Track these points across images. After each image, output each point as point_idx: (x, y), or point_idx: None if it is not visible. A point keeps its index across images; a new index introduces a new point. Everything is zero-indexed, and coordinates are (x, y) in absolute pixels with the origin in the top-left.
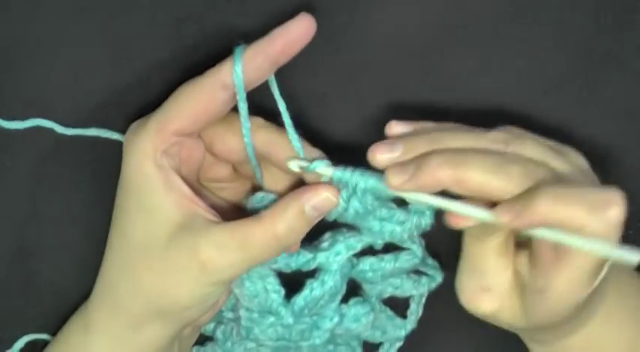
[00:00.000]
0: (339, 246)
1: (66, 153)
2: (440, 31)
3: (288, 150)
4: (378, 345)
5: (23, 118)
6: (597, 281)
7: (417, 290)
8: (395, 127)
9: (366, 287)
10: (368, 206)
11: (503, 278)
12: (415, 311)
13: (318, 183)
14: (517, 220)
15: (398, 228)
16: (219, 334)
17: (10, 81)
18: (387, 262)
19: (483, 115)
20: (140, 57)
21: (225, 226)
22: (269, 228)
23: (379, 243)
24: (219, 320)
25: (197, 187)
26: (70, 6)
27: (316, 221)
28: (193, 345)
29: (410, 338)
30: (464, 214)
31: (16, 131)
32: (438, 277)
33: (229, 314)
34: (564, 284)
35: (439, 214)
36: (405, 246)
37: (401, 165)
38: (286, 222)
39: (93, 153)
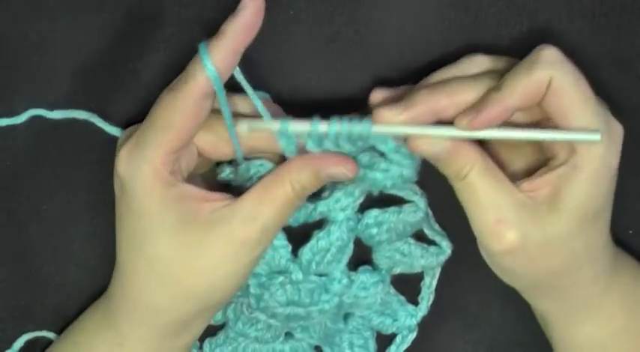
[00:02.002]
0: (338, 194)
1: (67, 152)
2: (439, 30)
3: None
4: (391, 340)
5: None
6: (618, 142)
7: (426, 260)
8: (379, 94)
9: (376, 257)
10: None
11: (508, 202)
12: (427, 294)
13: (341, 156)
14: (476, 120)
15: (380, 176)
16: (230, 313)
17: (10, 81)
18: (391, 214)
19: None
20: (140, 56)
21: (248, 198)
22: (288, 185)
23: (374, 191)
24: (231, 300)
25: (192, 178)
26: (70, 6)
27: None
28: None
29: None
30: (433, 134)
31: (17, 131)
32: (447, 248)
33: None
34: (587, 150)
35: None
36: (406, 197)
37: (389, 103)
38: (302, 181)
39: (94, 153)
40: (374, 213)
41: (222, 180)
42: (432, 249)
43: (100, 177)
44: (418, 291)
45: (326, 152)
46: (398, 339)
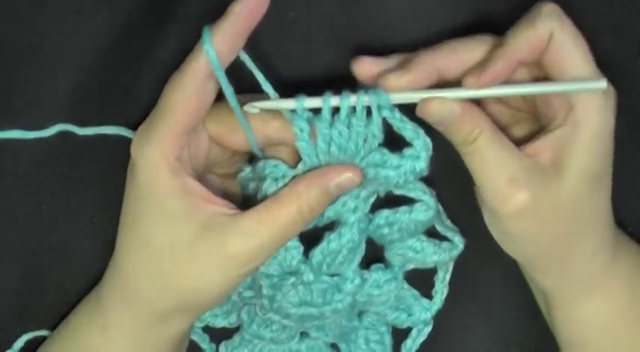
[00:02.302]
0: (345, 197)
1: (68, 152)
2: (440, 30)
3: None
4: (407, 334)
5: (24, 119)
6: (613, 104)
7: (439, 256)
8: (364, 63)
9: (388, 254)
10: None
11: (517, 164)
12: (441, 289)
13: (342, 164)
14: (483, 76)
15: (392, 173)
16: (244, 315)
17: (10, 81)
18: (402, 214)
19: None
20: (141, 56)
21: (249, 215)
22: (294, 207)
23: (382, 191)
24: (243, 302)
25: (205, 177)
26: (70, 6)
27: (339, 193)
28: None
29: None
30: (444, 97)
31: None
32: (459, 243)
33: (248, 293)
34: (586, 104)
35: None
36: (416, 197)
37: (391, 70)
38: (310, 201)
39: (94, 152)
40: (385, 214)
41: (242, 180)
42: (445, 244)
43: (101, 177)
44: (432, 285)
45: (328, 166)
46: (414, 333)
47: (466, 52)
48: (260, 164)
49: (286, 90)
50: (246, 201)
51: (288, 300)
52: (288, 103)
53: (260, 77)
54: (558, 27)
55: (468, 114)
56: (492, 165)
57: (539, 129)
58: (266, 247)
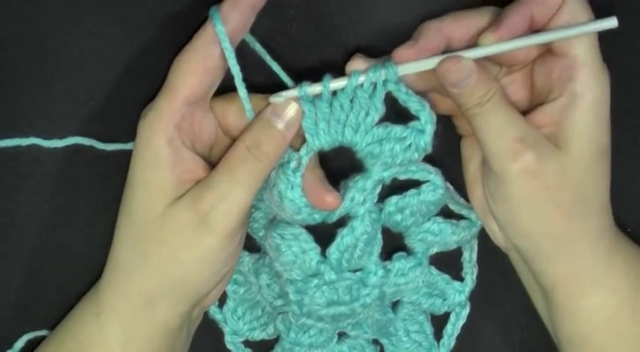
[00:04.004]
0: (351, 192)
1: (67, 152)
2: None
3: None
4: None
5: (24, 118)
6: (608, 78)
7: (459, 236)
8: (358, 61)
9: (408, 241)
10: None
11: (525, 127)
12: (470, 268)
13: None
14: (501, 31)
15: (397, 146)
16: (280, 325)
17: (10, 81)
18: (411, 197)
19: None
20: (141, 56)
21: (212, 171)
22: (243, 143)
23: (386, 177)
24: (276, 312)
25: (208, 166)
26: (70, 6)
27: (289, 130)
28: None
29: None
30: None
31: (17, 131)
32: (477, 220)
33: (279, 302)
34: (585, 71)
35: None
36: (423, 178)
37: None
38: (254, 133)
39: (95, 152)
40: (394, 200)
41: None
42: (463, 223)
43: (101, 176)
44: (461, 267)
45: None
46: (452, 317)
47: (473, 19)
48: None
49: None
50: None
51: (316, 302)
52: (313, 88)
53: (270, 62)
54: None
55: (485, 75)
56: (503, 123)
57: (539, 103)
58: (226, 194)
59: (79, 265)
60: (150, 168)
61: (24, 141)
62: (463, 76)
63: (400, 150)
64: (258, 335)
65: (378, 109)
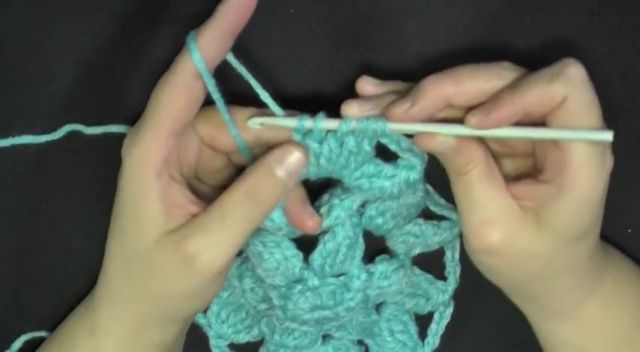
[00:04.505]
0: (337, 210)
1: (67, 152)
2: (440, 29)
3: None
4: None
5: (24, 119)
6: (608, 169)
7: (440, 237)
8: (366, 83)
9: (390, 244)
10: (348, 151)
11: (499, 206)
12: (452, 268)
13: (284, 145)
14: (486, 119)
15: (387, 183)
16: (264, 327)
17: (10, 81)
18: (391, 200)
19: None
20: (141, 56)
21: (205, 210)
22: (240, 188)
23: (373, 200)
24: (260, 315)
25: (195, 184)
26: (70, 6)
27: (290, 178)
28: None
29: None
30: (442, 132)
31: (17, 131)
32: (458, 219)
33: (263, 306)
34: (577, 174)
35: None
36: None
37: (397, 99)
38: (254, 179)
39: (95, 152)
40: (375, 204)
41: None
42: (444, 223)
43: (100, 176)
44: (443, 267)
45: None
46: (436, 316)
47: (472, 83)
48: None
49: (286, 88)
50: None
51: (300, 307)
52: (289, 122)
53: (260, 92)
54: (575, 94)
55: (465, 148)
56: (475, 201)
57: (533, 168)
58: (217, 240)
59: (78, 265)
60: (139, 202)
61: (15, 140)
62: (440, 150)
63: (389, 187)
64: (243, 338)
65: (368, 153)
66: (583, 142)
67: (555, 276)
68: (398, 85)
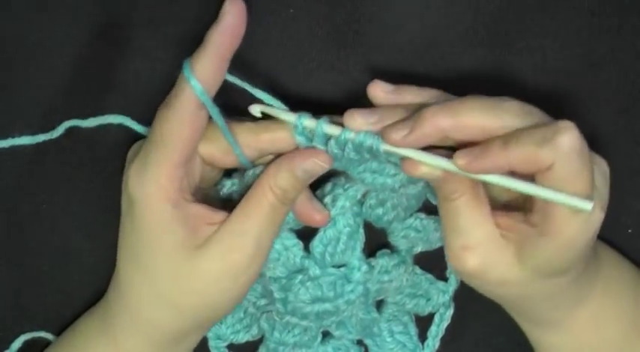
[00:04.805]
0: (342, 200)
1: (66, 152)
2: (440, 29)
3: (290, 140)
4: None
5: (24, 119)
6: (596, 224)
7: (441, 232)
8: (378, 87)
9: (391, 239)
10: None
11: (481, 233)
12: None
13: (310, 150)
14: (472, 164)
15: (389, 180)
16: (264, 324)
17: (10, 81)
18: (391, 190)
19: None
20: (140, 56)
21: (235, 215)
22: (269, 192)
23: (376, 190)
24: (260, 311)
25: (200, 198)
26: (71, 6)
27: (309, 181)
28: None
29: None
30: (432, 165)
31: (17, 131)
32: None
33: (263, 301)
34: (561, 223)
35: None
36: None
37: (397, 122)
38: (281, 184)
39: (95, 152)
40: (374, 193)
41: (225, 195)
42: None
43: (100, 176)
44: (444, 267)
45: (300, 149)
46: (437, 318)
47: (470, 120)
48: (249, 172)
49: (286, 88)
50: None
51: (301, 299)
52: (289, 117)
53: (258, 93)
54: (563, 162)
55: (452, 179)
56: (458, 227)
57: (524, 200)
58: (261, 240)
59: (78, 265)
60: (161, 233)
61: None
62: (426, 178)
63: (390, 183)
64: (242, 338)
65: (366, 159)
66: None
67: (535, 299)
68: (410, 92)
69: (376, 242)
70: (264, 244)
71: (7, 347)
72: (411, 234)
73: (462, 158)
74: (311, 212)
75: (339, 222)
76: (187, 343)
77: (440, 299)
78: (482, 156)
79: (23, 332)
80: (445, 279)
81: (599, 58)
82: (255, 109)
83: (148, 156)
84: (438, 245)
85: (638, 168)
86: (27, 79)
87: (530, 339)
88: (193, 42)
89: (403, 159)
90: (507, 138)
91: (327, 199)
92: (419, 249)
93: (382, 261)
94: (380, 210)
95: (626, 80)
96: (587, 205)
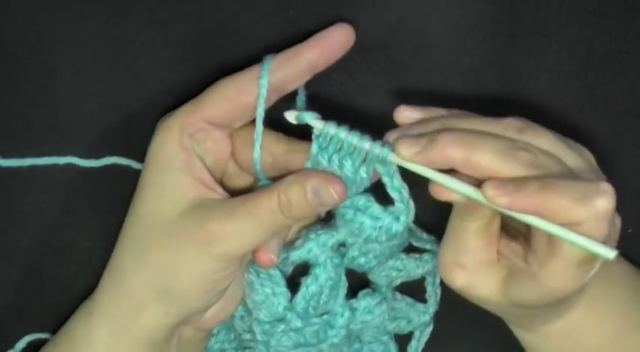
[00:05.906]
0: (310, 244)
1: (67, 152)
2: (440, 30)
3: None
4: (411, 337)
5: (24, 118)
6: (588, 277)
7: (423, 269)
8: (404, 112)
9: (372, 277)
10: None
11: (478, 258)
12: (433, 291)
13: (330, 174)
14: (503, 199)
15: (368, 222)
16: None
17: (10, 81)
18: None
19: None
20: (140, 56)
21: (234, 199)
22: (274, 196)
23: (350, 242)
24: (244, 345)
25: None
26: (70, 6)
27: (317, 209)
28: None
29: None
30: (455, 190)
31: (17, 131)
32: None
33: (247, 336)
34: (553, 274)
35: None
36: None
37: (413, 137)
38: (289, 194)
39: (94, 151)
40: (357, 245)
41: None
42: (426, 256)
43: (101, 176)
44: (424, 289)
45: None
46: (417, 334)
47: (482, 159)
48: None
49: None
50: None
51: (283, 344)
52: (319, 125)
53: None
54: (592, 224)
55: (475, 207)
56: (460, 243)
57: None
58: (243, 231)
59: (79, 265)
60: (163, 170)
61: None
62: (451, 202)
63: (369, 227)
64: None
65: (364, 180)
66: (570, 252)
67: (513, 314)
68: (436, 111)
69: (355, 278)
70: (244, 237)
71: (9, 347)
72: (393, 274)
73: (492, 190)
74: (262, 248)
75: (321, 277)
76: (151, 318)
77: (420, 319)
78: (515, 194)
79: (22, 333)
80: (425, 301)
81: (599, 58)
82: (291, 116)
83: (188, 103)
84: (418, 277)
85: (638, 168)
86: (27, 79)
87: (517, 337)
88: (194, 42)
89: (431, 184)
90: (546, 184)
91: (298, 242)
92: (398, 282)
93: (364, 302)
94: (362, 260)
95: (626, 80)
96: (611, 253)
